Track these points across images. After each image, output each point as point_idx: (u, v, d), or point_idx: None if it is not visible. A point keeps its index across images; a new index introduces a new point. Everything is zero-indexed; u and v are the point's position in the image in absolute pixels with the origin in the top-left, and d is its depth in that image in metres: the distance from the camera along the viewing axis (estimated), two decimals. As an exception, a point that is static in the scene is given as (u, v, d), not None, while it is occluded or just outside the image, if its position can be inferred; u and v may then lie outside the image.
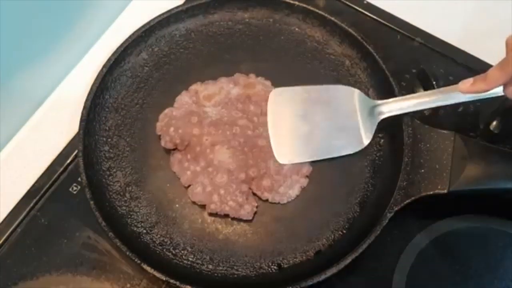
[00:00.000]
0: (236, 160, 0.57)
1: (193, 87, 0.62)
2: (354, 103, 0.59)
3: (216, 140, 0.58)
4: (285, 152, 0.58)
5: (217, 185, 0.57)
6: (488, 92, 0.52)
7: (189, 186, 0.58)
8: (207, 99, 0.61)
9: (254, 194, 0.58)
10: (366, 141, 0.58)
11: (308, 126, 0.58)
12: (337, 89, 0.61)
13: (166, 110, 0.61)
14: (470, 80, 0.52)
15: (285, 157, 0.57)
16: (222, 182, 0.57)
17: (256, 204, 0.57)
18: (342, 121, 0.58)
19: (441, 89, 0.56)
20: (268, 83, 0.63)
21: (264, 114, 0.60)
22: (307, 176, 0.59)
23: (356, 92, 0.60)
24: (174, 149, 0.59)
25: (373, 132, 0.58)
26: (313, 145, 0.58)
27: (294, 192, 0.58)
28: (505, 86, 0.51)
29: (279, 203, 0.57)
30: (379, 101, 0.59)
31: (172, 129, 0.59)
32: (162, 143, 0.59)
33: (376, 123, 0.58)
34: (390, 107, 0.57)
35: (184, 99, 0.61)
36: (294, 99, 0.60)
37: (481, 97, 0.53)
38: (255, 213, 0.57)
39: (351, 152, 0.58)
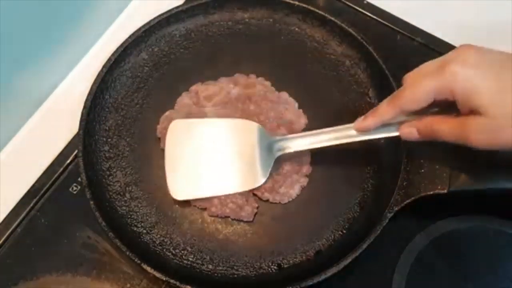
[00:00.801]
0: None
1: (194, 87, 0.62)
2: (253, 139, 0.57)
3: None
4: (180, 188, 0.56)
5: None
6: (383, 132, 0.52)
7: None
8: (207, 99, 0.61)
9: (254, 194, 0.58)
10: (262, 179, 0.56)
11: (205, 161, 0.57)
12: (237, 123, 0.59)
13: (167, 113, 0.61)
14: (362, 117, 0.53)
15: (179, 193, 0.56)
16: None
17: (256, 205, 0.57)
18: (239, 157, 0.57)
19: (341, 126, 0.55)
20: (268, 83, 0.63)
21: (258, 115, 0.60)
22: (307, 176, 0.59)
23: (256, 127, 0.58)
24: None
25: (269, 169, 0.57)
26: (209, 181, 0.57)
27: (294, 191, 0.58)
28: (400, 126, 0.51)
29: (279, 202, 0.57)
30: (278, 137, 0.57)
31: None
32: (162, 145, 0.59)
33: (273, 160, 0.57)
34: (288, 143, 0.56)
35: (184, 100, 0.61)
36: (193, 133, 0.58)
37: (377, 136, 0.53)
38: (255, 213, 0.57)
39: (246, 189, 0.57)
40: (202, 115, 0.60)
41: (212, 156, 0.57)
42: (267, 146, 0.57)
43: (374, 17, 0.69)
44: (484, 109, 0.45)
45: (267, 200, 0.57)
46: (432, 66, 0.47)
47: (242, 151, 0.57)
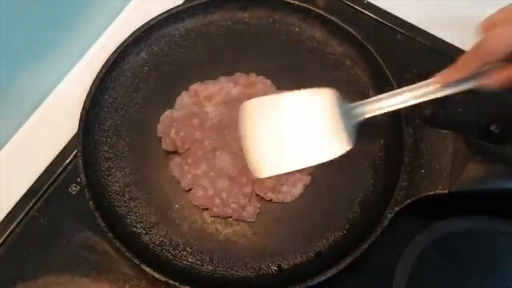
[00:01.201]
0: (238, 166, 0.57)
1: (193, 87, 0.62)
2: (330, 107, 0.55)
3: (217, 145, 0.58)
4: (264, 166, 0.55)
5: (218, 189, 0.57)
6: (463, 85, 0.51)
7: (190, 190, 0.58)
8: (207, 99, 0.61)
9: (257, 195, 0.57)
10: (347, 145, 0.54)
11: (285, 135, 0.55)
12: (311, 93, 0.57)
13: (167, 112, 0.61)
14: (445, 70, 0.51)
15: (264, 171, 0.54)
16: (224, 186, 0.57)
17: (258, 205, 0.57)
18: (318, 127, 0.55)
19: (420, 83, 0.54)
20: (268, 82, 0.62)
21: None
22: (310, 174, 0.58)
23: (331, 94, 0.56)
24: (173, 152, 0.59)
25: (352, 135, 0.54)
26: (291, 155, 0.55)
27: (297, 190, 0.57)
28: (481, 77, 0.50)
29: (283, 202, 0.57)
30: (357, 103, 0.56)
31: (173, 131, 0.59)
32: (163, 146, 0.59)
33: (356, 125, 0.55)
34: (369, 107, 0.55)
35: (184, 99, 0.61)
36: (267, 110, 0.57)
37: (456, 90, 0.51)
38: (257, 214, 0.57)
39: (332, 157, 0.54)
40: (203, 114, 0.60)
41: (292, 129, 0.55)
42: (344, 113, 0.55)
43: (374, 17, 0.69)
44: None
45: (271, 200, 0.57)
46: (507, 15, 0.47)
47: (320, 120, 0.55)
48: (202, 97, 0.61)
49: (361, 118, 0.55)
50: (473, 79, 0.51)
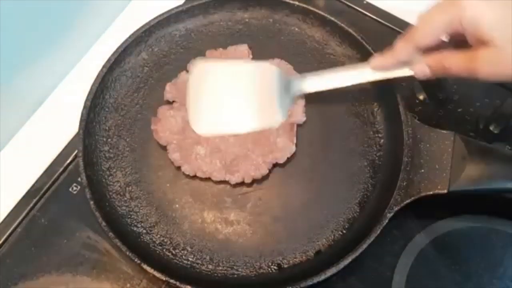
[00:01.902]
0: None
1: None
2: (272, 80, 0.58)
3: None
4: (201, 123, 0.57)
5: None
6: (398, 72, 0.53)
7: (194, 175, 0.58)
8: None
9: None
10: (280, 118, 0.57)
11: (226, 100, 0.58)
12: (257, 65, 0.60)
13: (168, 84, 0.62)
14: (381, 54, 0.54)
15: (201, 128, 0.57)
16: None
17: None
18: (259, 97, 0.57)
19: (358, 64, 0.57)
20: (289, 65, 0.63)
21: None
22: (300, 125, 0.60)
23: (275, 69, 0.58)
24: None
25: (288, 109, 0.58)
26: (229, 119, 0.57)
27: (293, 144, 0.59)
28: (412, 64, 0.52)
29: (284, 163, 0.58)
30: (295, 77, 0.59)
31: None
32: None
33: (292, 100, 0.58)
34: (305, 83, 0.57)
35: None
36: (215, 73, 0.59)
37: (393, 75, 0.54)
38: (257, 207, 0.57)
39: (265, 127, 0.58)
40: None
41: (232, 95, 0.58)
42: (285, 86, 0.57)
43: (374, 17, 0.69)
44: (491, 39, 0.46)
45: (276, 165, 0.58)
46: (442, 3, 0.49)
47: (261, 91, 0.58)
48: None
49: (300, 92, 0.58)
50: (407, 65, 0.53)
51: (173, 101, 0.61)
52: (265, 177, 0.58)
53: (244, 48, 0.64)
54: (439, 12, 0.49)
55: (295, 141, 0.59)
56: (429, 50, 0.51)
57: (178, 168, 0.58)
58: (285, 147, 0.59)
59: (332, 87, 0.57)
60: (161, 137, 0.59)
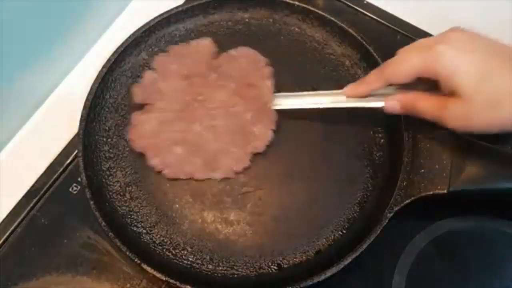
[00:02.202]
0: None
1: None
2: None
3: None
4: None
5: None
6: (371, 101, 0.55)
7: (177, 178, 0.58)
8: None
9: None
10: None
11: None
12: None
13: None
14: (355, 83, 0.55)
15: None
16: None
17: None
18: None
19: (332, 91, 0.58)
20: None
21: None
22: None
23: None
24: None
25: None
26: None
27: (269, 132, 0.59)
28: (385, 98, 0.53)
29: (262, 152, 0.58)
30: (277, 94, 0.60)
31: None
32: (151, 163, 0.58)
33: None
34: (278, 100, 0.59)
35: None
36: None
37: (365, 105, 0.55)
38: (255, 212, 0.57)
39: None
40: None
41: None
42: None
43: (374, 17, 0.69)
44: (462, 92, 0.46)
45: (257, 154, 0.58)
46: (422, 44, 0.50)
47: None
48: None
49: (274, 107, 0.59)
50: (379, 98, 0.54)
51: (145, 104, 0.60)
52: (264, 176, 0.58)
53: (208, 42, 0.63)
54: (415, 54, 0.49)
55: (273, 127, 0.59)
56: (404, 85, 0.51)
57: (159, 173, 0.58)
58: (263, 135, 0.58)
59: (302, 107, 0.59)
60: (136, 144, 0.58)
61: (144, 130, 0.59)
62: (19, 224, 0.58)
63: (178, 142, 0.58)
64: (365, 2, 0.70)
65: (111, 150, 0.60)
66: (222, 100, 0.60)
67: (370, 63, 0.62)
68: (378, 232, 0.52)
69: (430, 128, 0.57)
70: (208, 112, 0.59)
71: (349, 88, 0.56)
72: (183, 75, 0.61)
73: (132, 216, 0.57)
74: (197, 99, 0.60)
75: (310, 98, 0.59)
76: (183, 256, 0.55)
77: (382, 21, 0.69)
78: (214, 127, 0.59)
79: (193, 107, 0.60)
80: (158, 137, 0.58)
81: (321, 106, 0.58)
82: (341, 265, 0.51)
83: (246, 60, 0.62)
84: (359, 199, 0.58)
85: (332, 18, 0.64)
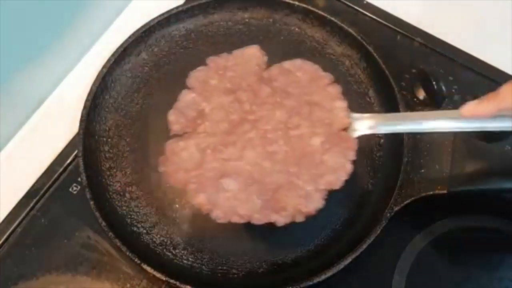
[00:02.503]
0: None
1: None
2: None
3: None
4: None
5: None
6: (496, 122, 0.44)
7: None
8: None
9: None
10: None
11: None
12: None
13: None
14: (475, 101, 0.43)
15: None
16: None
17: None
18: None
19: (439, 112, 0.50)
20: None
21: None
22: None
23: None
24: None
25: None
26: None
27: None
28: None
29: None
30: (355, 115, 0.49)
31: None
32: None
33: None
34: (365, 124, 0.49)
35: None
36: None
37: (492, 128, 0.44)
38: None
39: None
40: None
41: None
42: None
43: (374, 17, 0.69)
44: None
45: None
46: None
47: None
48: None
49: (357, 134, 0.50)
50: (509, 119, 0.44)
51: (184, 133, 0.50)
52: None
53: (254, 50, 0.53)
54: None
55: (353, 158, 0.48)
56: None
57: (207, 214, 0.47)
58: (338, 166, 0.47)
59: (397, 131, 0.50)
60: (174, 179, 0.48)
61: (182, 160, 0.47)
62: (19, 224, 0.58)
63: (228, 173, 0.46)
64: (365, 2, 0.70)
65: (111, 150, 0.60)
66: (280, 121, 0.48)
67: (370, 63, 0.62)
68: (378, 232, 0.52)
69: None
70: (264, 135, 0.47)
71: (472, 106, 0.44)
72: (226, 89, 0.50)
73: (132, 216, 0.57)
74: (247, 119, 0.48)
75: (412, 123, 0.48)
76: (183, 256, 0.55)
77: (382, 21, 0.69)
78: (273, 154, 0.47)
79: (243, 129, 0.48)
80: (202, 167, 0.47)
81: (439, 131, 0.49)
82: (341, 265, 0.51)
83: (304, 74, 0.52)
84: (359, 199, 0.58)
85: (332, 18, 0.64)
